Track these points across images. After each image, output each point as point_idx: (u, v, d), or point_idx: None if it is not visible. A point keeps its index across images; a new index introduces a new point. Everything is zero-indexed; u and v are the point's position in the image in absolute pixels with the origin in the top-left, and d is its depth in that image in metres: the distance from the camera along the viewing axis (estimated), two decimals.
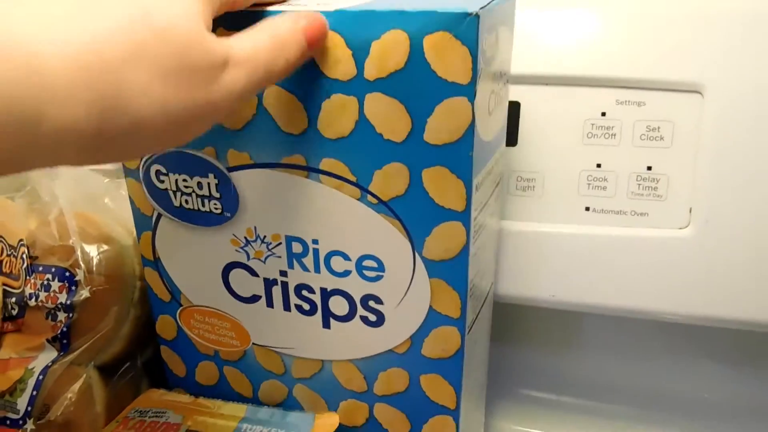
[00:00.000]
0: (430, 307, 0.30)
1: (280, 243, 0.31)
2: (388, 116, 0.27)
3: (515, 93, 0.38)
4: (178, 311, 0.37)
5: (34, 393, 0.35)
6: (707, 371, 0.44)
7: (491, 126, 0.29)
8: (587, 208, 0.38)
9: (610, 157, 0.37)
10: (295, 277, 0.32)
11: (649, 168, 0.37)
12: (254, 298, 0.34)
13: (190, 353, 0.38)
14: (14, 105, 0.16)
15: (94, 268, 0.36)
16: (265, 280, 0.33)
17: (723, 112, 0.35)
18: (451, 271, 0.29)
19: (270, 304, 0.34)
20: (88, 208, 0.37)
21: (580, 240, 0.38)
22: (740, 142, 0.35)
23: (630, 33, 0.36)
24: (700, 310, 0.37)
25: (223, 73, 0.21)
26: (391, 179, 0.28)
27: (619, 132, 0.37)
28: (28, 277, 0.36)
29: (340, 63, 0.26)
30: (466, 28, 0.24)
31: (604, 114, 0.37)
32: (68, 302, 0.35)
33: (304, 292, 0.32)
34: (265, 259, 0.32)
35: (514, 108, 0.38)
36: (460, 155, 0.26)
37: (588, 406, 0.47)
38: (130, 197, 0.35)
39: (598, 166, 0.38)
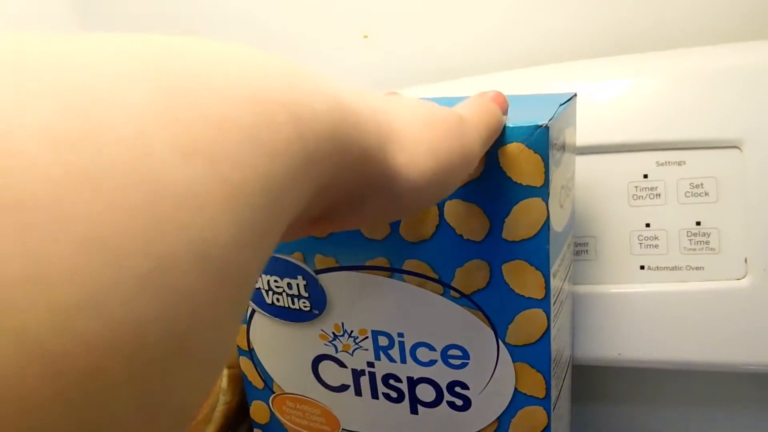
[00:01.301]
0: (516, 389, 0.32)
1: (367, 337, 0.33)
2: (467, 219, 0.29)
3: None
4: (271, 398, 0.39)
5: None
6: None
7: (563, 217, 0.30)
8: (642, 267, 0.39)
9: (658, 216, 0.38)
10: (382, 367, 0.34)
11: (698, 223, 0.38)
12: (343, 387, 0.36)
13: None
14: None
15: None
16: (353, 370, 0.35)
17: (762, 164, 0.36)
18: (534, 354, 0.31)
19: (358, 392, 0.35)
20: None
21: (639, 298, 0.39)
22: None
23: (662, 96, 0.38)
24: (763, 359, 0.37)
25: (464, 127, 0.21)
26: (472, 275, 0.30)
27: (663, 191, 0.38)
28: None
29: None
30: (537, 139, 0.26)
31: (646, 176, 0.38)
32: None
33: (392, 381, 0.34)
34: (353, 351, 0.34)
35: None
36: (537, 249, 0.28)
37: None
38: None
39: (647, 225, 0.39)
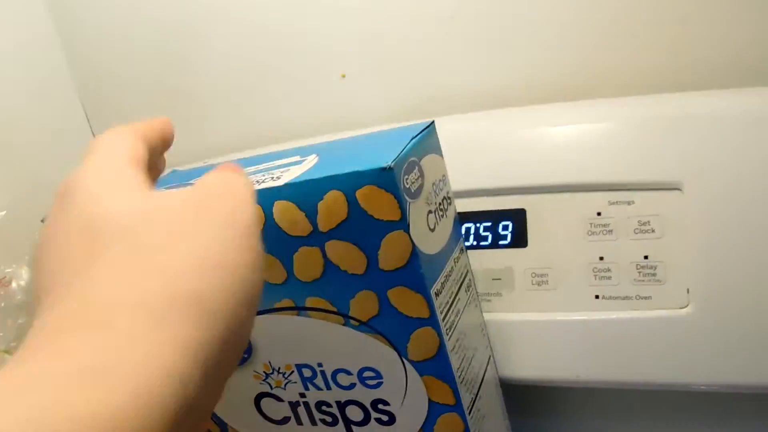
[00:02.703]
0: (429, 399, 0.35)
1: (293, 371, 0.36)
2: (346, 256, 0.32)
3: (521, 201, 0.43)
4: None
5: None
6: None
7: (436, 240, 0.33)
8: (597, 296, 0.42)
9: (611, 250, 0.41)
10: (313, 396, 0.37)
11: (646, 257, 0.40)
12: (285, 420, 0.39)
13: None
14: None
15: None
16: (290, 402, 0.38)
17: (701, 204, 0.38)
18: (437, 366, 0.34)
19: (299, 422, 0.39)
20: None
21: (595, 325, 0.41)
22: (721, 227, 0.38)
23: (614, 141, 0.41)
24: (707, 378, 0.39)
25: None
26: (364, 304, 0.33)
27: (615, 228, 0.41)
28: None
29: (297, 223, 0.32)
30: (385, 179, 0.29)
31: (599, 213, 0.41)
32: None
33: (324, 407, 0.37)
34: (285, 386, 0.37)
35: (521, 214, 0.43)
36: (412, 274, 0.31)
37: None
38: None
39: (601, 258, 0.41)
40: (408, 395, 0.35)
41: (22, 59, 0.60)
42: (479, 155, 0.44)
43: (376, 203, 0.30)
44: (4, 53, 0.59)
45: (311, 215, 0.31)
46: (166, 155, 0.59)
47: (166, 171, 0.43)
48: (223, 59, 0.57)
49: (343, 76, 0.53)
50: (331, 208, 0.31)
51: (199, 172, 0.39)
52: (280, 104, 0.57)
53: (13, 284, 0.47)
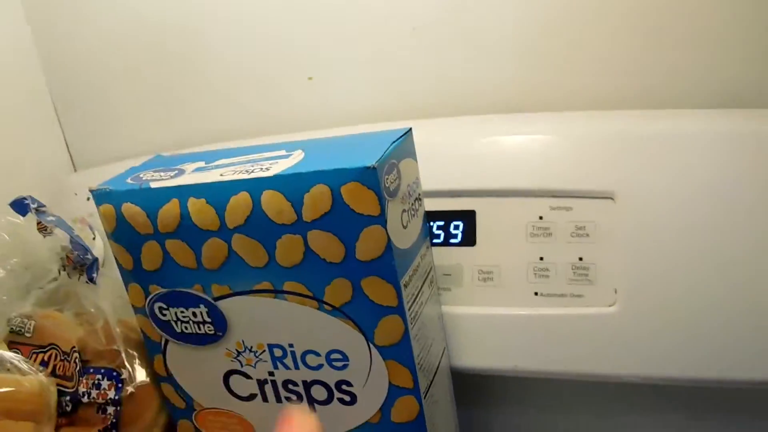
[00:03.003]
0: (390, 382, 0.38)
1: (264, 350, 0.39)
2: (326, 245, 0.35)
3: (471, 203, 0.47)
4: (194, 415, 0.44)
5: None
6: (647, 419, 0.51)
7: (408, 236, 0.37)
8: (536, 293, 0.46)
9: (550, 251, 0.45)
10: (281, 375, 0.40)
11: (581, 259, 0.45)
12: (252, 396, 0.42)
13: None
14: None
15: (139, 367, 0.44)
16: (258, 380, 0.41)
17: (631, 212, 0.43)
18: (399, 352, 0.37)
19: (265, 399, 0.41)
20: (127, 314, 0.45)
21: (534, 319, 0.45)
22: (647, 234, 0.43)
23: (557, 153, 0.45)
24: (630, 370, 0.44)
25: None
26: (338, 290, 0.36)
27: (554, 231, 0.45)
28: (81, 378, 0.44)
29: (283, 212, 0.35)
30: (369, 177, 0.33)
31: (541, 218, 0.46)
32: (116, 397, 0.43)
33: (290, 386, 0.40)
34: (255, 364, 0.40)
35: (471, 215, 0.47)
36: (385, 266, 0.35)
37: None
38: (140, 329, 0.43)
39: (541, 258, 0.46)
40: (371, 378, 0.38)
41: None
42: (435, 159, 0.48)
43: (358, 199, 0.33)
44: None
45: (297, 205, 0.34)
46: (152, 141, 0.62)
47: (150, 156, 0.45)
48: (203, 57, 0.59)
49: (311, 79, 0.57)
50: (317, 200, 0.34)
51: (181, 160, 0.42)
52: (254, 102, 0.59)
53: None
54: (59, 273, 0.49)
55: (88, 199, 0.55)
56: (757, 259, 0.41)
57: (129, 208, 0.38)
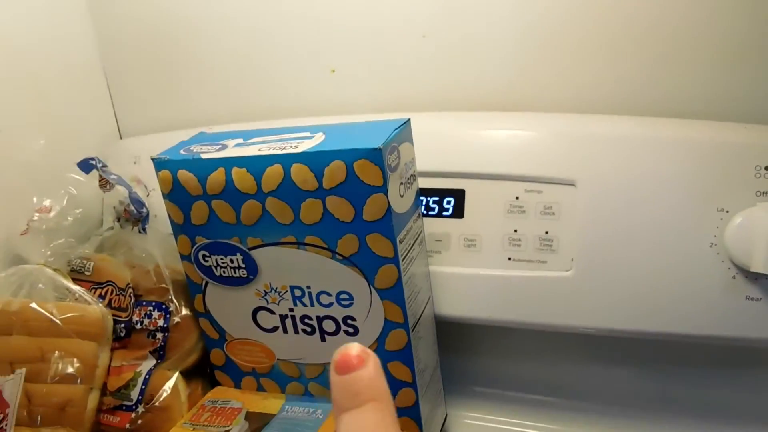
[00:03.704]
0: (385, 318, 0.48)
1: (287, 290, 0.49)
2: (340, 208, 0.45)
3: (461, 183, 0.57)
4: (225, 345, 0.55)
5: (143, 387, 0.53)
6: (594, 366, 0.62)
7: (404, 203, 0.47)
8: (509, 258, 0.56)
9: (523, 225, 0.55)
10: (299, 311, 0.50)
11: (547, 232, 0.55)
12: (274, 329, 0.52)
13: (235, 372, 0.56)
14: None
15: (183, 302, 0.54)
16: (280, 315, 0.51)
17: (588, 196, 0.53)
18: (394, 294, 0.47)
19: (285, 330, 0.51)
20: (172, 260, 0.55)
21: (507, 279, 0.55)
22: (600, 215, 0.53)
23: (532, 146, 0.55)
24: (580, 322, 0.54)
25: None
26: (348, 244, 0.46)
27: (527, 209, 0.55)
28: (134, 309, 0.54)
29: (308, 181, 0.45)
30: (375, 156, 0.43)
31: (517, 198, 0.56)
32: (165, 325, 0.54)
33: (306, 320, 0.50)
34: (279, 302, 0.50)
35: (460, 193, 0.57)
36: (385, 225, 0.45)
37: (523, 397, 0.64)
38: (185, 273, 0.53)
39: (515, 231, 0.56)
40: (370, 314, 0.48)
41: (53, 27, 0.69)
42: (434, 146, 0.58)
43: (366, 172, 0.43)
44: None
45: (318, 176, 0.44)
46: (191, 116, 0.71)
47: (192, 132, 0.55)
48: (245, 45, 0.68)
49: (333, 72, 0.66)
50: (334, 172, 0.44)
51: (222, 137, 0.51)
52: (284, 88, 0.69)
53: (52, 212, 0.57)
54: (113, 224, 0.59)
55: (135, 163, 0.66)
56: (684, 236, 0.51)
57: (183, 174, 0.48)
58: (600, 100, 0.59)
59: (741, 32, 0.54)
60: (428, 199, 0.58)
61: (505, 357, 0.65)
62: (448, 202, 0.58)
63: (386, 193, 0.44)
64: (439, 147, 0.58)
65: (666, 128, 0.54)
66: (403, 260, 0.47)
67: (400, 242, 0.46)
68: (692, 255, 0.51)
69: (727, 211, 0.50)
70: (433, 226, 0.57)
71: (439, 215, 0.58)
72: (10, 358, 0.52)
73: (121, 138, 0.76)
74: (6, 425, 0.50)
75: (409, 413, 0.52)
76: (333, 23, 0.64)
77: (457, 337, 0.64)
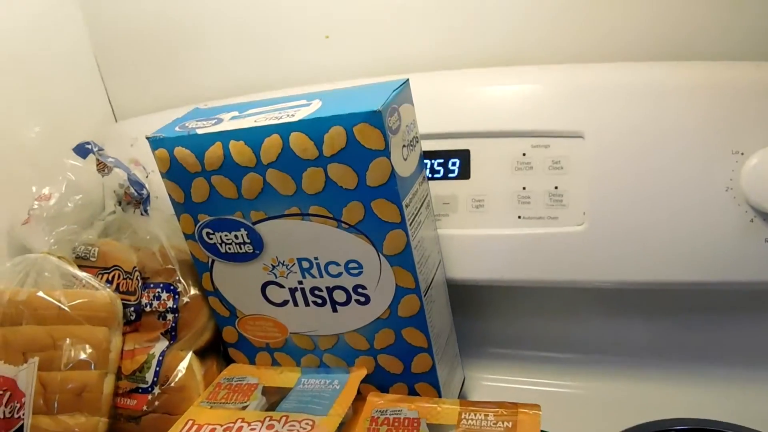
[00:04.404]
0: (396, 284, 0.47)
1: (294, 263, 0.49)
2: (343, 175, 0.44)
3: (466, 143, 0.56)
4: (236, 322, 0.54)
5: (157, 369, 0.52)
6: (615, 319, 0.61)
7: (408, 166, 0.46)
8: (519, 217, 0.55)
9: (531, 182, 0.54)
10: (308, 283, 0.49)
11: (556, 187, 0.53)
12: (284, 303, 0.51)
13: (249, 349, 0.55)
14: None
15: (191, 282, 0.53)
16: (290, 289, 0.50)
17: (597, 148, 0.52)
18: (403, 259, 0.46)
19: (296, 304, 0.51)
20: (177, 239, 0.54)
21: (518, 238, 0.54)
22: (610, 167, 0.51)
23: (537, 100, 0.53)
24: (594, 277, 0.53)
25: None
26: (353, 211, 0.45)
27: (535, 165, 0.54)
28: (142, 292, 0.54)
29: (307, 150, 0.43)
30: (375, 119, 0.41)
31: (524, 154, 0.54)
32: (174, 306, 0.53)
33: (316, 292, 0.50)
34: (287, 275, 0.49)
35: (465, 153, 0.56)
36: (390, 190, 0.44)
37: (540, 356, 0.63)
38: (190, 252, 0.52)
39: (524, 188, 0.54)
40: (381, 281, 0.47)
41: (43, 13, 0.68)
42: (436, 107, 0.56)
43: (367, 136, 0.42)
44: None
45: (318, 144, 0.43)
46: (185, 94, 0.70)
47: (188, 110, 0.53)
48: (216, 24, 0.67)
49: (327, 37, 0.64)
50: (334, 139, 0.43)
51: (217, 111, 0.50)
52: (277, 57, 0.67)
53: (52, 200, 0.57)
54: (115, 208, 0.59)
55: (132, 145, 0.65)
56: (699, 182, 0.50)
57: (180, 152, 0.47)
58: (603, 48, 0.57)
59: None
60: (432, 161, 0.56)
61: (519, 316, 0.64)
62: (453, 164, 0.56)
63: (389, 157, 0.42)
64: (440, 107, 0.56)
65: (673, 72, 0.52)
66: (410, 225, 0.46)
67: (407, 206, 0.45)
68: (708, 200, 0.50)
69: (742, 153, 0.49)
70: (439, 188, 0.56)
71: (444, 177, 0.56)
72: (22, 347, 0.51)
73: (116, 121, 0.75)
74: (23, 414, 0.50)
75: (426, 378, 0.51)
76: None
77: (469, 300, 0.63)
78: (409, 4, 0.61)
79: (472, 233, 0.56)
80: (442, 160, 0.56)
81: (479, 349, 0.65)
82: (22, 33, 0.64)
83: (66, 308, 0.51)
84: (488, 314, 0.65)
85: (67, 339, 0.51)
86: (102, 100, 0.74)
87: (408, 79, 0.47)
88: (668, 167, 0.50)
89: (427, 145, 0.56)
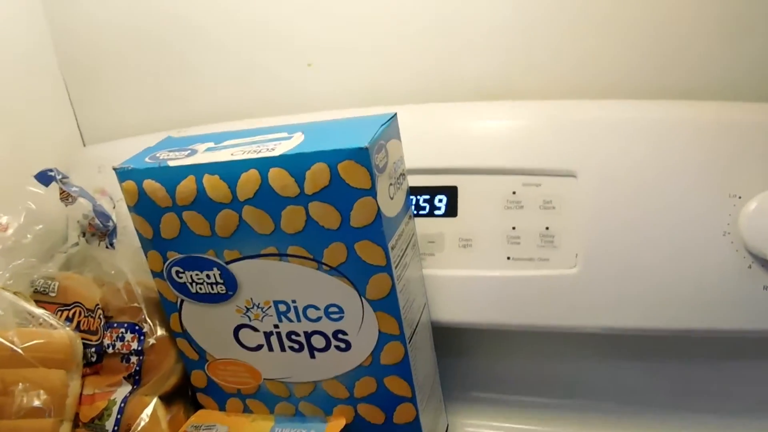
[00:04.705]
0: (379, 330, 0.44)
1: (270, 306, 0.45)
2: (325, 214, 0.41)
3: (453, 180, 0.53)
4: (206, 366, 0.50)
5: (119, 417, 0.48)
6: (606, 365, 0.58)
7: (394, 206, 0.43)
8: (508, 257, 0.52)
9: (521, 221, 0.52)
10: (285, 327, 0.46)
11: (547, 228, 0.51)
12: (259, 347, 0.48)
13: (219, 394, 0.51)
14: None
15: (157, 322, 0.50)
16: (264, 333, 0.47)
17: (590, 188, 0.50)
18: (387, 304, 0.43)
19: (271, 348, 0.47)
20: (145, 275, 0.50)
21: (506, 280, 0.52)
22: (604, 207, 0.49)
23: (529, 137, 0.51)
24: (586, 322, 0.51)
25: None
26: (335, 253, 0.42)
27: (525, 204, 0.51)
28: (105, 332, 0.50)
29: (288, 187, 0.40)
30: (362, 156, 0.38)
31: (514, 192, 0.52)
32: (139, 348, 0.49)
33: (293, 336, 0.46)
34: (262, 318, 0.46)
35: (453, 190, 0.53)
36: (375, 231, 0.41)
37: (521, 400, 0.60)
38: (158, 290, 0.49)
39: (514, 228, 0.52)
40: (363, 327, 0.44)
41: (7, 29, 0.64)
42: (423, 141, 0.54)
43: (352, 174, 0.39)
44: None
45: (300, 180, 0.40)
46: (157, 119, 0.66)
47: (161, 136, 0.50)
48: (198, 46, 0.64)
49: (310, 65, 0.62)
50: (317, 176, 0.40)
51: (191, 141, 0.47)
52: (256, 85, 0.64)
53: (9, 230, 0.53)
54: (79, 239, 0.55)
55: (99, 172, 0.61)
56: (696, 225, 0.48)
57: (150, 185, 0.44)
58: (598, 84, 0.55)
59: (744, 4, 0.50)
60: (418, 197, 0.54)
61: (504, 359, 0.61)
62: (440, 200, 0.54)
63: (375, 196, 0.40)
64: (427, 141, 0.54)
65: (671, 111, 0.50)
66: (396, 267, 0.43)
67: (392, 248, 0.42)
68: (705, 245, 0.48)
69: (740, 197, 0.47)
70: (424, 226, 0.53)
71: (430, 214, 0.54)
72: None
73: (84, 144, 0.71)
74: None
75: (409, 429, 0.48)
76: (308, 12, 0.60)
77: (453, 340, 0.60)
78: (397, 33, 0.58)
79: (459, 274, 0.53)
80: (428, 197, 0.54)
81: (462, 392, 0.62)
82: None
83: (19, 350, 0.47)
84: (473, 356, 0.62)
85: (20, 384, 0.47)
86: (69, 122, 0.70)
87: (396, 114, 0.44)
88: (664, 209, 0.48)
89: (413, 181, 0.54)
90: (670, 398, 0.56)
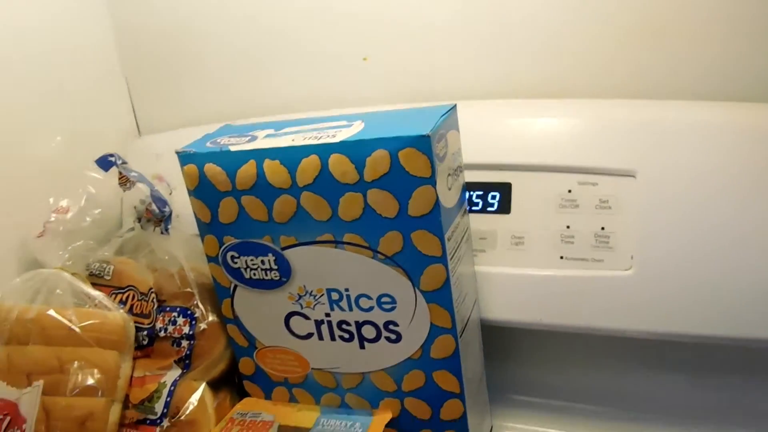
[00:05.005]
0: (431, 323, 0.44)
1: (323, 294, 0.45)
2: (383, 202, 0.41)
3: (507, 176, 0.53)
4: (255, 353, 0.51)
5: (168, 400, 0.49)
6: (656, 374, 0.56)
7: (451, 197, 0.43)
8: (561, 257, 0.51)
9: (576, 221, 0.51)
10: (336, 315, 0.46)
11: (603, 228, 0.50)
12: (309, 335, 0.48)
13: (266, 382, 0.52)
14: None
15: (209, 307, 0.50)
16: (315, 321, 0.47)
17: (649, 188, 0.49)
18: (441, 296, 0.43)
19: (321, 337, 0.47)
20: (198, 262, 0.51)
21: (559, 280, 0.51)
22: (662, 208, 0.48)
23: (587, 135, 0.51)
24: (642, 326, 0.50)
25: None
26: (391, 242, 0.42)
27: (581, 203, 0.51)
28: (157, 316, 0.50)
29: (347, 173, 0.41)
30: (423, 144, 0.38)
31: (570, 191, 0.51)
32: (191, 333, 0.50)
33: (344, 326, 0.46)
34: (314, 306, 0.46)
35: (507, 187, 0.53)
36: (433, 221, 0.41)
37: (568, 407, 0.59)
38: (212, 275, 0.49)
39: (568, 227, 0.51)
40: (415, 318, 0.44)
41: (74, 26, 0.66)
42: (477, 137, 0.53)
43: (413, 162, 0.39)
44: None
45: (359, 167, 0.40)
46: (222, 110, 0.68)
47: (219, 125, 0.51)
48: (267, 35, 0.65)
49: (366, 60, 0.62)
50: (377, 163, 0.40)
51: (251, 128, 0.48)
52: (312, 78, 0.65)
53: (70, 213, 0.54)
54: (134, 224, 0.56)
55: (156, 160, 0.62)
56: (757, 230, 0.46)
57: (211, 168, 0.44)
58: (660, 85, 0.54)
59: None
60: (471, 193, 0.54)
61: (551, 363, 0.60)
62: (493, 197, 0.53)
63: (434, 185, 0.39)
64: (482, 137, 0.53)
65: (735, 113, 0.49)
66: (451, 259, 0.43)
67: (449, 239, 0.42)
68: (766, 250, 0.46)
69: None
70: (477, 222, 0.53)
71: (483, 211, 0.53)
72: (27, 369, 0.48)
73: (140, 134, 0.73)
74: None
75: (455, 426, 0.47)
76: (365, 10, 0.60)
77: (499, 342, 0.59)
78: (455, 29, 0.58)
79: (510, 272, 0.52)
80: (481, 192, 0.54)
81: (506, 395, 0.61)
82: (48, 40, 0.63)
83: (77, 329, 0.48)
84: (519, 358, 0.61)
85: (76, 362, 0.48)
86: (127, 113, 0.72)
87: (455, 105, 0.44)
88: (725, 212, 0.47)
89: (467, 176, 0.53)
90: (719, 413, 0.55)
